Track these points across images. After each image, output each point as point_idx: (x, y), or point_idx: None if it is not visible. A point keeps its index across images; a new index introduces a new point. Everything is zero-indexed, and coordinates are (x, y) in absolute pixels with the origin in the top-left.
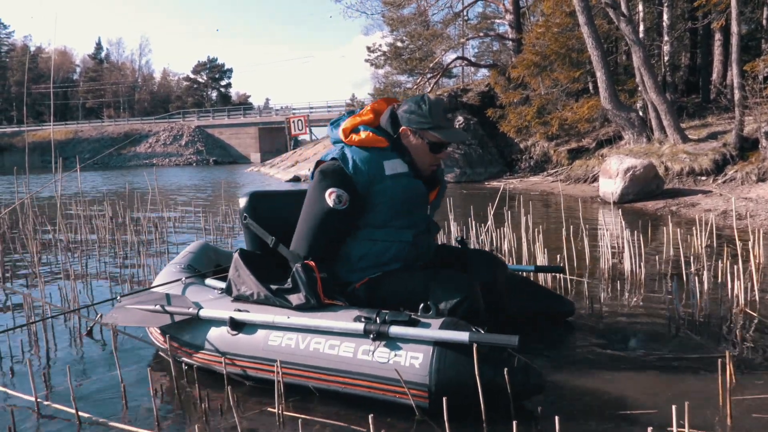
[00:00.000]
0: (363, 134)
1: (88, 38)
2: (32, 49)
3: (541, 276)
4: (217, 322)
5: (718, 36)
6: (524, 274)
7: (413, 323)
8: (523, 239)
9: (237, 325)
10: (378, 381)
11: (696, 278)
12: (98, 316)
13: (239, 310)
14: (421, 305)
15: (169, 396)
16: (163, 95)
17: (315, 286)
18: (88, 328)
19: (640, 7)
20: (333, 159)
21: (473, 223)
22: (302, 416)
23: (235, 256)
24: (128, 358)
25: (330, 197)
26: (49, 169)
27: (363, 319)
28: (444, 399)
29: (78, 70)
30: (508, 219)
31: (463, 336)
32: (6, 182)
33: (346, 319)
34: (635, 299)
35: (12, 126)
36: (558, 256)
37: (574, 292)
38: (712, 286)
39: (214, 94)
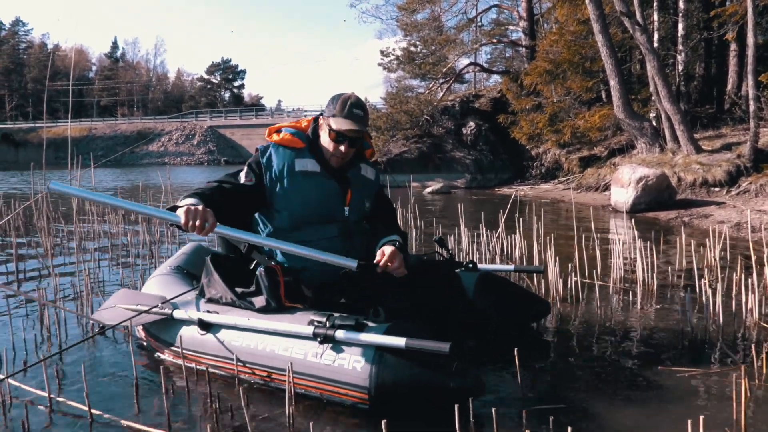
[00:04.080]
0: (282, 134)
1: (104, 37)
2: (50, 46)
3: (553, 280)
4: (189, 323)
5: (733, 46)
6: (503, 274)
7: (359, 327)
8: (534, 246)
9: (205, 326)
10: (324, 382)
11: (709, 290)
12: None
13: (208, 312)
14: (371, 310)
15: (180, 396)
16: (177, 95)
17: (277, 289)
18: (100, 327)
19: (655, 17)
20: (257, 149)
21: (484, 229)
22: (312, 420)
23: (207, 260)
24: (141, 358)
25: (242, 174)
26: (62, 165)
27: (315, 323)
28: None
29: (94, 68)
30: (519, 226)
31: (400, 341)
32: (7, 176)
33: (300, 322)
34: (647, 309)
35: (27, 122)
36: (569, 264)
37: (585, 300)
38: (725, 298)
39: (227, 95)
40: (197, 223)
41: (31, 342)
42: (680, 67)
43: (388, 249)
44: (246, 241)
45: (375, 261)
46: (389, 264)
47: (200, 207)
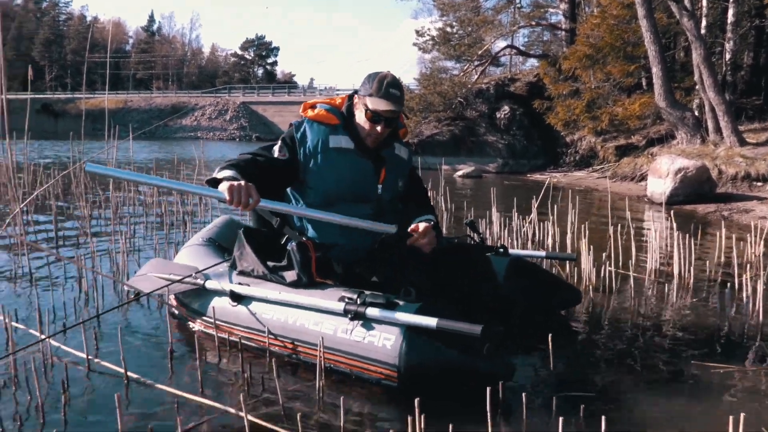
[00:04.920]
0: (317, 110)
1: (141, 11)
2: (88, 19)
3: (586, 269)
4: (221, 294)
5: None
6: (536, 260)
7: (390, 306)
8: (568, 234)
9: (237, 298)
10: (353, 358)
11: (749, 286)
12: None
13: (240, 284)
14: (402, 289)
15: (213, 365)
16: (211, 70)
17: (309, 264)
18: (135, 294)
19: (704, 2)
20: (291, 125)
21: (516, 215)
22: (343, 394)
23: (239, 233)
24: (174, 325)
25: (276, 148)
26: (99, 136)
27: (345, 299)
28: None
29: (131, 41)
30: (554, 213)
31: (431, 321)
32: (48, 145)
33: (330, 298)
34: (683, 303)
35: (66, 93)
36: (603, 253)
37: (618, 291)
38: (765, 295)
39: (260, 72)
40: (242, 199)
41: (70, 305)
42: (728, 56)
43: (422, 225)
44: (289, 213)
45: (410, 230)
46: (420, 239)
47: (243, 183)
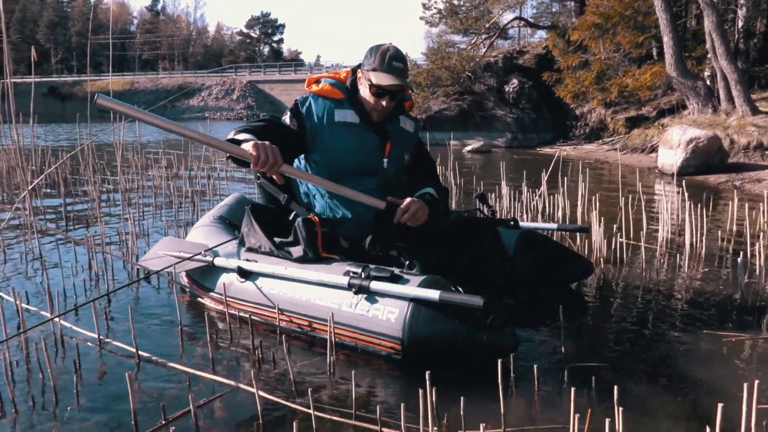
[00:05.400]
0: (322, 85)
1: None
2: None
3: (597, 241)
4: (229, 270)
5: None
6: (547, 233)
7: (395, 279)
8: (578, 207)
9: (245, 274)
10: (358, 332)
11: (762, 255)
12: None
13: (248, 260)
14: (407, 262)
15: (224, 341)
16: (217, 49)
17: (315, 240)
18: (146, 272)
19: None
20: (296, 100)
21: (526, 188)
22: (354, 369)
23: (247, 210)
24: (184, 303)
25: (285, 117)
26: (106, 119)
27: (350, 274)
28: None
29: (135, 22)
30: (564, 186)
31: (434, 294)
32: (55, 128)
33: (336, 273)
34: (695, 273)
35: (72, 75)
36: (614, 225)
37: (630, 262)
38: None
39: (266, 50)
40: (269, 159)
41: (80, 286)
42: (740, 23)
43: (407, 200)
44: (307, 180)
45: (389, 200)
46: (401, 215)
47: (268, 143)
